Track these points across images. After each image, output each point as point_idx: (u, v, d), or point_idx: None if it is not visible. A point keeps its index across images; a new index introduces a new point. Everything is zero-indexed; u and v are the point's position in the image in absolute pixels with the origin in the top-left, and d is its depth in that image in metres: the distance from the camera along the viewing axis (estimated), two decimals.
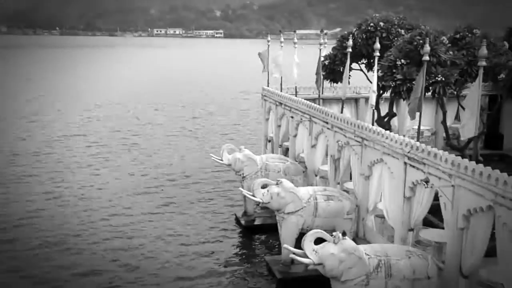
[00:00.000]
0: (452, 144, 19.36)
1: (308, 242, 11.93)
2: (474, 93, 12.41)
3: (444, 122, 19.15)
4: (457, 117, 27.61)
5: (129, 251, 18.50)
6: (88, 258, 17.93)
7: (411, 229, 14.19)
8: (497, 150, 27.09)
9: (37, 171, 28.72)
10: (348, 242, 11.89)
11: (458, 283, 12.08)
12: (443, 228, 14.18)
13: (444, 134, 26.50)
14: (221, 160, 20.85)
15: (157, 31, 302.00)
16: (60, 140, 36.84)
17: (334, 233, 12.01)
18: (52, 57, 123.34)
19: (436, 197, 13.01)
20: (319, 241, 12.09)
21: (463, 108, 19.48)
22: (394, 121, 25.40)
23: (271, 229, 19.55)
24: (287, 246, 12.71)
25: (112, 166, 30.08)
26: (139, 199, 24.27)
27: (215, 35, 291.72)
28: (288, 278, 16.16)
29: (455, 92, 18.51)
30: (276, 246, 18.68)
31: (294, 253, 11.99)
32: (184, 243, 19.32)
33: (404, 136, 14.93)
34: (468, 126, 13.40)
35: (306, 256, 11.81)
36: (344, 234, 11.96)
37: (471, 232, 11.69)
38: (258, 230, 20.50)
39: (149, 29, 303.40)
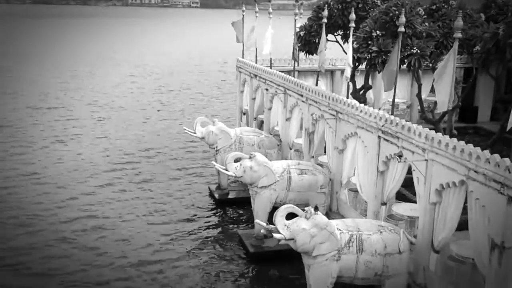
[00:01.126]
0: (427, 117, 19.26)
1: (279, 217, 11.74)
2: (449, 65, 12.18)
3: (419, 95, 19.01)
4: (432, 90, 27.50)
5: (101, 228, 18.06)
6: (58, 237, 17.33)
7: (384, 203, 14.11)
8: (471, 123, 27.26)
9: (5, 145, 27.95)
10: (320, 217, 11.73)
11: (429, 258, 12.08)
12: (415, 202, 14.16)
13: (418, 107, 26.58)
14: (194, 133, 20.44)
15: (131, 0, 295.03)
16: (30, 113, 35.86)
17: (306, 208, 11.84)
18: (27, 27, 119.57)
19: (410, 171, 12.92)
20: (291, 216, 11.92)
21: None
22: (370, 94, 25.27)
23: (245, 203, 19.37)
24: (259, 221, 12.52)
25: (83, 140, 29.33)
26: (111, 173, 23.78)
27: (191, 5, 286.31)
28: (261, 252, 16.04)
29: (431, 65, 18.31)
30: (250, 220, 18.51)
31: (265, 228, 11.79)
32: (157, 217, 19.01)
33: (379, 109, 14.77)
34: (443, 99, 13.21)
35: (277, 231, 11.64)
36: (316, 209, 11.79)
37: (443, 206, 11.63)
38: (232, 203, 20.28)
39: None
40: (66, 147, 27.70)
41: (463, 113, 27.53)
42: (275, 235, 11.59)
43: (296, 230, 11.51)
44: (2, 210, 19.34)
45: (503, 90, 27.25)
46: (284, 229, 11.60)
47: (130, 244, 16.95)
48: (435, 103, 20.45)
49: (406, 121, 12.89)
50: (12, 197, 20.56)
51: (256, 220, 13.84)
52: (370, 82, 23.00)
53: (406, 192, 16.30)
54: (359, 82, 23.27)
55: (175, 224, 18.46)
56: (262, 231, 11.90)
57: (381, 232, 12.00)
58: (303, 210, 11.94)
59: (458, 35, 12.14)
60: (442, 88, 12.43)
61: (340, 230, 11.89)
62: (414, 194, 14.49)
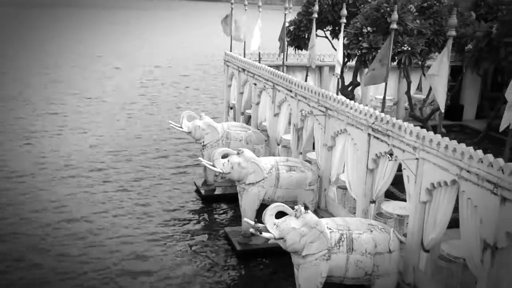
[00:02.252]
0: (415, 115, 19.20)
1: (269, 215, 11.53)
2: (444, 63, 12.04)
3: (408, 92, 18.93)
4: (419, 87, 27.62)
5: (82, 225, 17.62)
6: (36, 244, 16.75)
7: (373, 201, 14.01)
8: (457, 120, 27.33)
9: None
10: (310, 216, 11.55)
11: (419, 257, 11.99)
12: (404, 199, 14.08)
13: (405, 104, 26.53)
14: (181, 127, 20.12)
15: None
16: (12, 106, 35.16)
17: (296, 207, 11.65)
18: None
19: (399, 168, 12.80)
20: (279, 215, 11.72)
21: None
22: (358, 90, 25.15)
23: (232, 199, 19.16)
24: (247, 220, 12.30)
25: (67, 135, 28.79)
26: (95, 166, 23.38)
27: None
28: (248, 249, 15.85)
29: (420, 62, 18.25)
30: (237, 216, 18.31)
31: (254, 227, 11.56)
32: (141, 214, 18.69)
33: (366, 105, 14.63)
34: (441, 98, 13.06)
35: (267, 230, 11.43)
36: (306, 208, 11.61)
37: (433, 206, 11.53)
38: (218, 199, 20.05)
39: None
40: (49, 142, 27.07)
41: (448, 111, 27.43)
42: (264, 234, 11.38)
43: (286, 229, 11.31)
44: None
45: (489, 87, 27.33)
46: (273, 228, 11.40)
47: (113, 241, 16.59)
48: (424, 100, 20.45)
49: (395, 118, 12.75)
50: None
51: (244, 219, 13.63)
52: (358, 78, 22.86)
53: (394, 189, 16.23)
54: (348, 78, 23.13)
55: (159, 220, 18.16)
56: (250, 230, 11.65)
57: (371, 231, 11.86)
58: (292, 208, 11.76)
59: (452, 33, 11.99)
60: (440, 87, 12.28)
61: (330, 229, 11.72)
62: (402, 191, 14.45)
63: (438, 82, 12.14)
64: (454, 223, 11.35)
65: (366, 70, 22.94)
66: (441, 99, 12.42)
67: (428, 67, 21.29)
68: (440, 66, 11.96)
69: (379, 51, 14.94)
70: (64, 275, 14.60)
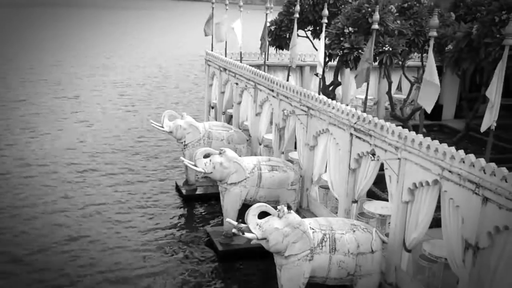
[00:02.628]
0: (396, 114, 19.33)
1: (251, 216, 11.45)
2: (431, 64, 12.11)
3: (389, 92, 19.04)
4: (399, 87, 27.82)
5: (58, 231, 17.08)
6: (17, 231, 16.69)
7: (355, 201, 14.04)
8: (436, 120, 27.61)
9: None
10: (293, 216, 11.50)
11: (401, 257, 12.04)
12: (386, 199, 14.13)
13: (386, 104, 26.72)
14: (162, 127, 19.93)
15: None
16: None
17: (279, 207, 11.59)
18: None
19: (380, 167, 12.84)
20: (262, 215, 11.65)
21: (408, 80, 19.53)
22: (339, 90, 25.25)
23: (213, 199, 19.06)
24: (230, 220, 12.16)
25: (45, 137, 28.28)
26: (73, 168, 23.02)
27: None
28: (230, 250, 15.76)
29: (400, 62, 18.37)
30: (218, 216, 18.20)
31: (236, 227, 11.46)
32: (121, 213, 18.45)
33: (347, 105, 14.68)
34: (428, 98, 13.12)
35: (249, 231, 11.36)
36: (289, 208, 11.57)
37: (415, 205, 11.57)
38: (200, 199, 19.91)
39: None
40: (26, 143, 26.46)
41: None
42: (247, 235, 11.29)
43: (269, 229, 11.24)
44: None
45: (468, 88, 27.64)
46: (256, 229, 11.31)
47: (91, 246, 16.18)
48: (404, 100, 20.60)
49: (376, 118, 12.79)
50: None
51: (226, 219, 13.49)
52: (339, 78, 22.94)
53: (375, 189, 16.29)
54: (328, 78, 23.18)
55: (139, 220, 17.95)
56: (233, 230, 11.56)
57: (354, 231, 11.86)
58: (275, 208, 11.70)
59: (434, 33, 12.05)
60: (427, 87, 12.31)
61: (313, 229, 11.69)
62: (384, 191, 14.51)
63: (427, 83, 12.18)
64: (436, 223, 11.42)
65: (347, 70, 23.13)
66: (429, 100, 12.44)
67: (408, 67, 21.59)
68: (431, 69, 11.99)
69: (364, 51, 15.01)
70: (37, 284, 14.13)
